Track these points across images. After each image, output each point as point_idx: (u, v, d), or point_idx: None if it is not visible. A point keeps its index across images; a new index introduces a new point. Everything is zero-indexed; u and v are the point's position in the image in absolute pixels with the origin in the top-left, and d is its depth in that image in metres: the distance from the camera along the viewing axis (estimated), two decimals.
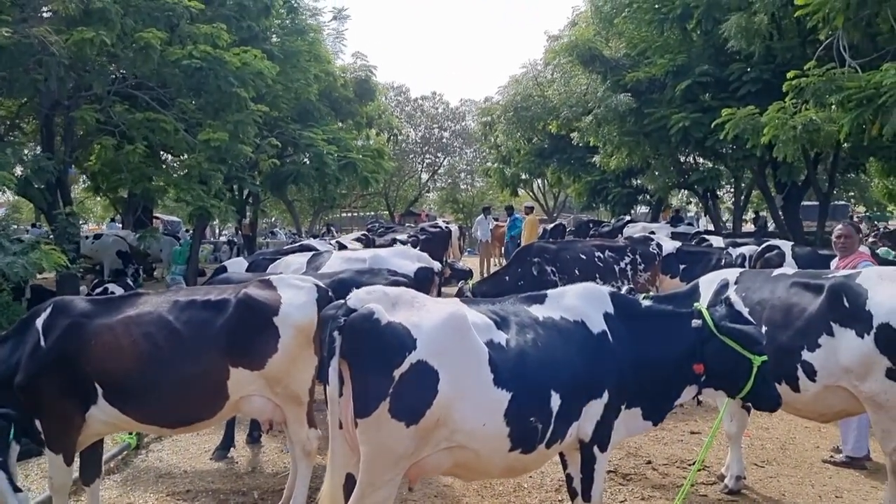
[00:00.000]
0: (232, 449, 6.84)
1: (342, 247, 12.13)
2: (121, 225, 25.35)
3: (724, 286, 5.65)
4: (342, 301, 3.78)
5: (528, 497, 5.80)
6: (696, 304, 4.52)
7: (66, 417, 4.76)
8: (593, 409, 4.13)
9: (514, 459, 3.93)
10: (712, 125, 13.70)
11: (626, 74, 17.26)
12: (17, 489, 4.65)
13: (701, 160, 22.07)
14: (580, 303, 4.33)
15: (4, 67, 10.79)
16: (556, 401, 3.94)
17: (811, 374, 5.05)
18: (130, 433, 6.80)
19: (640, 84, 16.99)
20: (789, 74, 11.30)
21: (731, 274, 5.88)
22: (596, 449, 4.22)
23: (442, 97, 47.20)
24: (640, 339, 4.32)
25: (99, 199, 27.90)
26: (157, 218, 28.75)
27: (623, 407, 4.29)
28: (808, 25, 12.13)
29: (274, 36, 18.78)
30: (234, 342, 4.81)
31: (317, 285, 5.21)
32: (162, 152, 16.94)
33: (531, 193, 39.14)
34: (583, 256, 10.28)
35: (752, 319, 4.47)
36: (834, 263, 6.89)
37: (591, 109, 18.46)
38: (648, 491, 5.97)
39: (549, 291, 4.46)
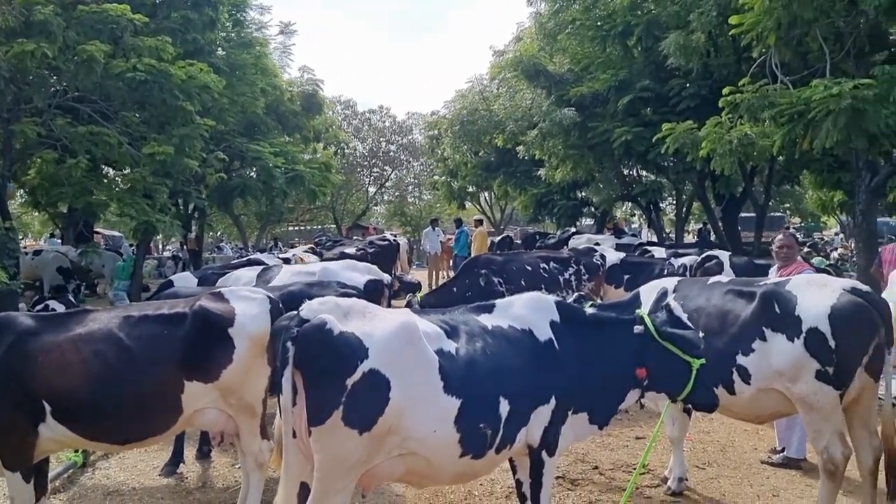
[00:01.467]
0: (181, 465, 6.76)
1: (300, 260, 12.11)
2: (60, 240, 24.72)
3: (664, 294, 5.86)
4: (295, 312, 3.85)
5: None
6: (637, 311, 4.69)
7: (16, 434, 4.64)
8: (541, 415, 4.25)
9: (465, 465, 4.03)
10: (653, 139, 14.09)
11: (570, 89, 17.65)
12: None
13: (644, 173, 22.60)
14: (527, 312, 4.46)
15: None
16: (504, 407, 4.05)
17: (746, 377, 5.27)
18: (76, 451, 6.68)
19: (584, 98, 17.39)
20: (725, 90, 11.72)
21: (670, 282, 6.11)
22: (544, 454, 4.34)
23: (389, 111, 47.51)
24: (586, 345, 4.46)
25: (37, 214, 27.19)
26: (97, 233, 28.12)
27: (570, 412, 4.41)
28: (743, 43, 12.64)
29: (220, 49, 18.71)
30: (190, 356, 4.78)
31: (268, 297, 5.24)
32: (104, 166, 16.66)
33: (478, 206, 39.50)
34: (528, 268, 10.47)
35: (690, 325, 4.66)
36: (772, 272, 7.16)
37: (536, 123, 18.80)
38: (595, 495, 6.12)
39: (497, 301, 4.58)
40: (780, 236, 7.29)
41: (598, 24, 16.71)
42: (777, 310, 5.19)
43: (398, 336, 3.81)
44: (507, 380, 4.09)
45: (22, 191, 20.10)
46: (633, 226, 40.99)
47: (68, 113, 13.03)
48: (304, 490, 3.82)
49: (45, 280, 18.41)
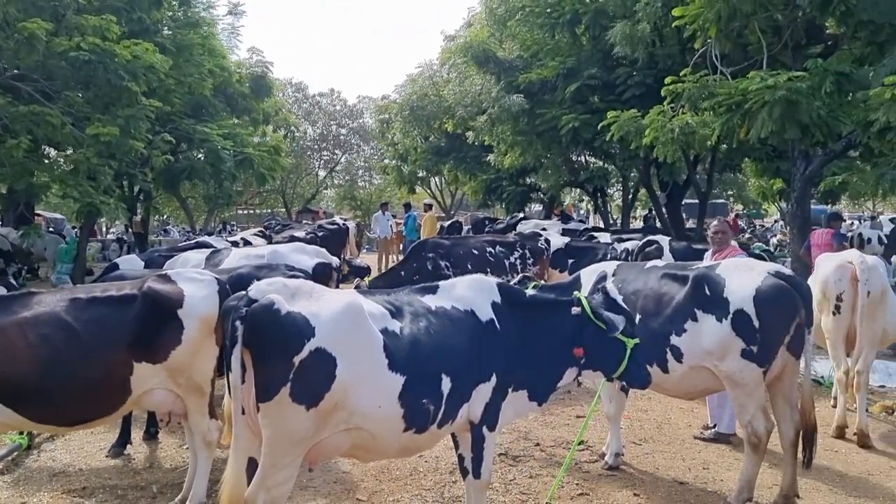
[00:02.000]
0: (129, 445, 6.78)
1: (247, 243, 12.08)
2: (0, 223, 24.11)
3: (603, 277, 6.11)
4: (244, 292, 3.95)
5: (423, 479, 6.09)
6: (575, 293, 4.90)
7: None
8: (482, 392, 4.43)
9: (409, 439, 4.19)
10: (600, 126, 14.35)
11: (519, 75, 17.80)
12: None
13: (591, 159, 22.93)
14: (470, 293, 4.62)
15: None
16: (447, 384, 4.22)
17: (679, 356, 5.56)
18: (21, 433, 6.66)
19: (533, 85, 17.56)
20: (667, 80, 12.02)
21: (610, 266, 6.36)
22: (485, 429, 4.52)
23: (340, 94, 47.24)
24: (526, 325, 4.65)
25: None
26: (39, 215, 27.46)
27: (510, 389, 4.60)
28: (686, 34, 12.93)
29: (166, 28, 18.38)
30: (139, 337, 4.82)
31: (216, 278, 5.30)
32: (46, 147, 16.28)
33: (429, 191, 39.61)
34: (475, 252, 10.69)
35: (625, 306, 4.88)
36: (707, 256, 7.48)
37: (486, 109, 18.93)
38: (536, 470, 6.35)
39: (440, 283, 4.75)
40: (715, 222, 7.64)
41: (548, 11, 16.84)
42: (707, 292, 5.48)
43: (344, 315, 3.95)
44: (450, 358, 4.26)
45: None
46: (580, 212, 41.58)
47: (9, 92, 12.70)
48: (253, 465, 3.94)
49: None
